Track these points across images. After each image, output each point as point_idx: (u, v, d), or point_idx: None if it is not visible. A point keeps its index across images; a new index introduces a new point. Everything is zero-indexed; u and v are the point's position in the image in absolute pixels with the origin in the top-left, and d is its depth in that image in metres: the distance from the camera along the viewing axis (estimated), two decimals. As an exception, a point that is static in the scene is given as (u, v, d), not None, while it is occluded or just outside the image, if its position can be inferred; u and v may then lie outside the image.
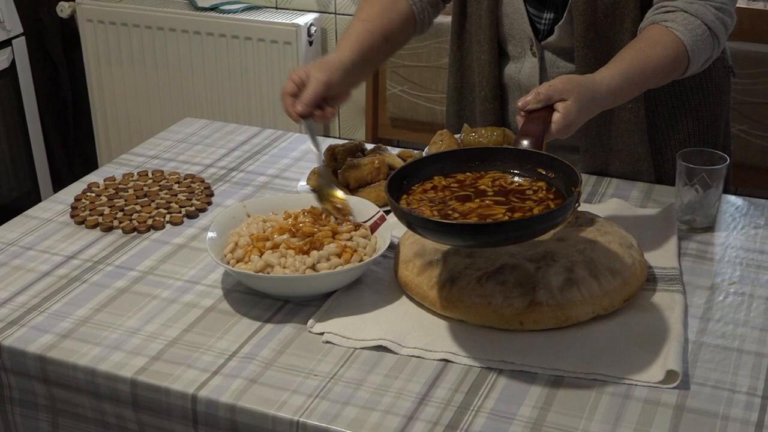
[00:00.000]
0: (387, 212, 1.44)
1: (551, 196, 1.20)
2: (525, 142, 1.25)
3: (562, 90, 1.30)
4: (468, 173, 1.26)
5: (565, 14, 1.57)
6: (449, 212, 1.18)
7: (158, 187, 1.64)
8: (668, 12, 1.46)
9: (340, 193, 1.42)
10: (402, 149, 1.71)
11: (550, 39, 1.61)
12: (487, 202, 1.20)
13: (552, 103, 1.29)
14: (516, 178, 1.24)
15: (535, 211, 1.17)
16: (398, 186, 1.22)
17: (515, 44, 1.66)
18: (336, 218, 1.37)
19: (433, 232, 1.14)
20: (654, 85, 1.50)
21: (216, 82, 3.02)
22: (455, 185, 1.24)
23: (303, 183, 1.62)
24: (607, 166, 1.68)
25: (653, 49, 1.43)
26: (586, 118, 1.35)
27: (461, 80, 1.77)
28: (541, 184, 1.22)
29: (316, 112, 1.44)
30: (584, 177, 1.66)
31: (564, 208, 1.12)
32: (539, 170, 1.23)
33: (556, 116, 1.29)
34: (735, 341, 1.22)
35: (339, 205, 1.39)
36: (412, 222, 1.15)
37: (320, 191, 1.43)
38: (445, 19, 1.86)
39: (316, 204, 1.43)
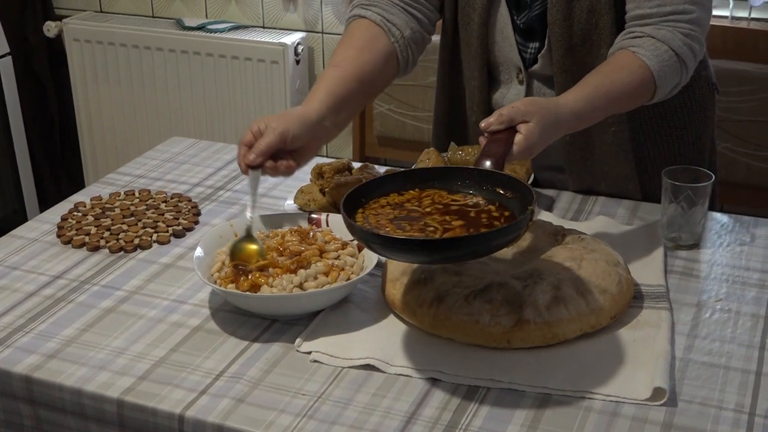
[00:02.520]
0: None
1: (496, 215, 1.19)
2: (487, 163, 1.25)
3: (525, 112, 1.30)
4: (413, 191, 1.26)
5: (546, 43, 1.58)
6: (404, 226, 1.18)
7: (145, 207, 1.64)
8: (636, 38, 1.46)
9: (255, 247, 1.33)
10: (389, 167, 1.71)
11: (535, 67, 1.62)
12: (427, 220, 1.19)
13: (514, 124, 1.29)
14: (457, 199, 1.24)
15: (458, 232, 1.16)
16: (356, 203, 1.22)
17: (504, 71, 1.67)
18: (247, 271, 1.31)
19: (383, 248, 1.14)
20: (620, 110, 1.51)
21: (203, 101, 3.03)
22: (405, 203, 1.24)
23: (290, 202, 1.62)
24: (593, 186, 1.68)
25: (619, 73, 1.43)
26: (549, 140, 1.35)
27: (451, 106, 1.77)
28: (491, 207, 1.21)
29: (268, 164, 1.36)
30: (570, 195, 1.67)
31: (513, 227, 1.12)
32: (498, 190, 1.23)
33: (518, 138, 1.29)
34: (722, 358, 1.22)
35: (255, 267, 1.31)
36: (362, 237, 1.15)
37: (234, 248, 1.33)
38: (432, 38, 1.87)
39: (303, 223, 1.43)
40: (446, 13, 1.68)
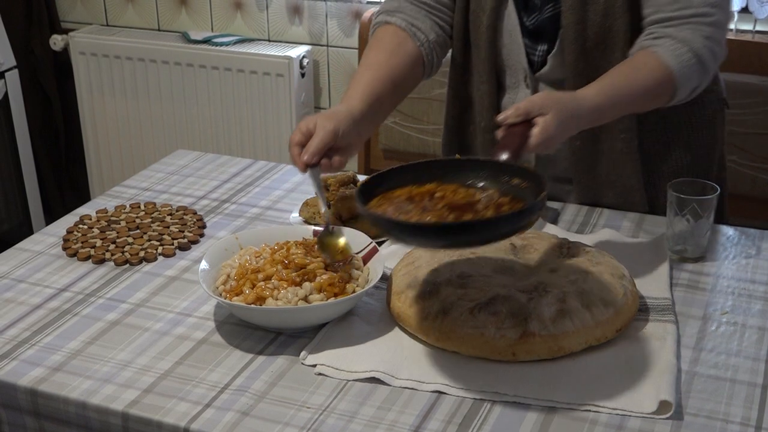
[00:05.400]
0: (379, 243, 1.45)
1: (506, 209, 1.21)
2: (503, 155, 1.26)
3: (541, 105, 1.31)
4: (430, 185, 1.27)
5: (557, 44, 1.59)
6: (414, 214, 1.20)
7: (150, 219, 1.64)
8: (657, 38, 1.47)
9: (342, 241, 1.39)
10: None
11: (544, 70, 1.63)
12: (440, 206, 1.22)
13: (531, 117, 1.30)
14: (475, 192, 1.25)
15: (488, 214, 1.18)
16: (370, 193, 1.25)
17: (511, 75, 1.67)
18: (334, 266, 1.35)
19: (400, 234, 1.17)
20: (639, 109, 1.51)
21: (208, 114, 3.03)
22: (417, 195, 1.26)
23: (295, 214, 1.63)
24: (599, 197, 1.68)
25: (639, 72, 1.44)
26: (566, 133, 1.36)
27: (461, 111, 1.77)
28: (503, 200, 1.23)
29: (323, 161, 1.41)
30: (576, 208, 1.67)
31: (525, 212, 1.14)
32: (513, 181, 1.24)
33: (534, 130, 1.30)
34: (728, 371, 1.22)
35: (340, 259, 1.36)
36: (378, 223, 1.18)
37: (323, 242, 1.38)
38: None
39: (308, 235, 1.43)
40: (457, 17, 1.68)
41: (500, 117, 1.32)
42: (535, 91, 1.65)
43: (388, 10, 1.65)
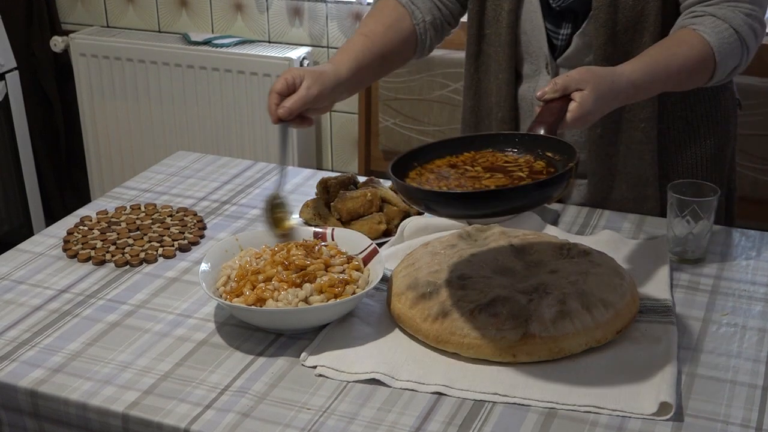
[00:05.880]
0: (380, 245, 1.45)
1: (544, 172, 1.22)
2: (540, 130, 1.27)
3: (579, 80, 1.31)
4: (467, 153, 1.29)
5: (583, 25, 1.57)
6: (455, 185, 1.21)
7: (151, 221, 1.64)
8: (697, 17, 1.47)
9: (292, 220, 1.39)
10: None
11: (567, 53, 1.61)
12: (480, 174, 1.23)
13: (569, 92, 1.31)
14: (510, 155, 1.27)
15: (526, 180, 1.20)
16: (405, 166, 1.25)
17: (531, 62, 1.66)
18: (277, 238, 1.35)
19: (435, 203, 1.18)
20: (678, 87, 1.50)
21: (209, 115, 3.03)
22: (459, 164, 1.27)
23: (296, 216, 1.63)
24: (612, 190, 1.68)
25: (679, 47, 1.44)
26: (605, 108, 1.35)
27: (478, 103, 1.76)
28: (540, 162, 1.24)
29: (297, 119, 1.42)
30: (576, 209, 1.67)
31: (558, 179, 1.15)
32: (548, 153, 1.25)
33: (572, 105, 1.30)
34: (728, 373, 1.22)
35: (284, 233, 1.37)
36: (413, 195, 1.19)
37: (272, 213, 1.39)
38: (437, 52, 1.87)
39: (308, 237, 1.43)
40: (472, 5, 1.68)
41: (538, 93, 1.32)
42: (556, 77, 1.64)
43: None
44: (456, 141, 1.30)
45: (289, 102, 1.40)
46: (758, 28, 1.48)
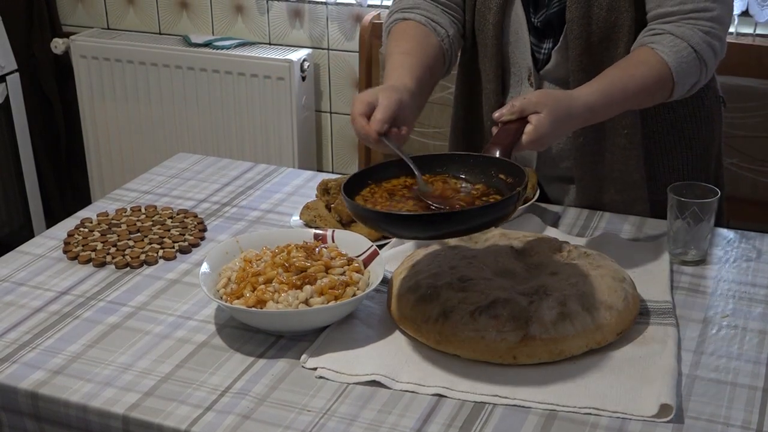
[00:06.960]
0: (380, 246, 1.45)
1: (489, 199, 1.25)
2: (495, 152, 1.29)
3: (536, 103, 1.32)
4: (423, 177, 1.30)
5: (561, 39, 1.59)
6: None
7: (151, 223, 1.64)
8: (656, 34, 1.48)
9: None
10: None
11: (548, 67, 1.63)
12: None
13: (526, 115, 1.32)
14: (463, 183, 1.30)
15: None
16: (359, 184, 1.28)
17: (514, 73, 1.67)
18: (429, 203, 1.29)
19: (381, 224, 1.21)
20: (637, 106, 1.52)
21: (209, 117, 3.04)
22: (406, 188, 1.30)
23: (296, 218, 1.63)
24: (601, 195, 1.68)
25: (636, 68, 1.45)
26: (561, 132, 1.37)
27: (469, 112, 1.77)
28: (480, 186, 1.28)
29: (393, 131, 1.34)
30: (576, 211, 1.67)
31: (501, 204, 1.18)
32: (500, 176, 1.27)
33: (528, 128, 1.31)
34: (728, 374, 1.22)
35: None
36: (360, 214, 1.22)
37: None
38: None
39: (309, 239, 1.43)
40: (467, 15, 1.68)
41: (495, 114, 1.33)
42: (538, 89, 1.65)
43: (402, 8, 1.64)
44: (414, 160, 1.30)
45: (379, 115, 1.34)
46: (717, 46, 1.49)
